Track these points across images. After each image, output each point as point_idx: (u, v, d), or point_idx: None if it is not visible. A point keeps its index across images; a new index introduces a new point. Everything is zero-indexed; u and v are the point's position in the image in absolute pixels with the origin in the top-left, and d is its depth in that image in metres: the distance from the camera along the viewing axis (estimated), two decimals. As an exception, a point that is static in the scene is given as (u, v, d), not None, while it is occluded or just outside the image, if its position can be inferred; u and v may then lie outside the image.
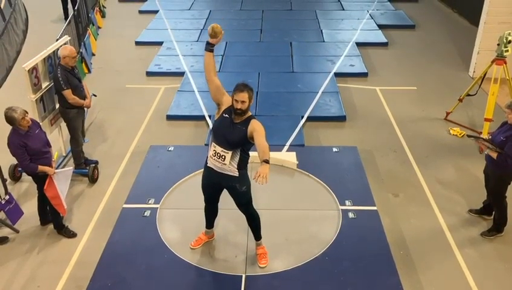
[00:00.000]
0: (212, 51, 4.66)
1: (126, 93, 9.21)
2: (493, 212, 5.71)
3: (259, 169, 4.02)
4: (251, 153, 4.73)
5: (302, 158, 6.85)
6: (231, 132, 4.52)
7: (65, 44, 6.75)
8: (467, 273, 5.12)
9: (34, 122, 5.46)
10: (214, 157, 4.63)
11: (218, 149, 4.57)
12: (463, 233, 5.70)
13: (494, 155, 5.22)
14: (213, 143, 4.62)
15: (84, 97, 6.49)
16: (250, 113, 4.60)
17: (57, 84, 6.19)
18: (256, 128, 4.42)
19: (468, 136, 5.76)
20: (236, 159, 4.59)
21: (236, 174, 4.65)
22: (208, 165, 4.79)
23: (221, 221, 5.63)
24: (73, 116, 6.44)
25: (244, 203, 4.93)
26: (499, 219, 5.57)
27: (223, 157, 4.56)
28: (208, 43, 4.61)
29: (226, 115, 4.60)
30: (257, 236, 5.15)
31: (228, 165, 4.59)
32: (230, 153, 4.54)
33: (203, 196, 5.12)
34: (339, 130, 7.89)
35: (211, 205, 5.17)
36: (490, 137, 5.49)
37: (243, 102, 4.45)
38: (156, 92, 9.21)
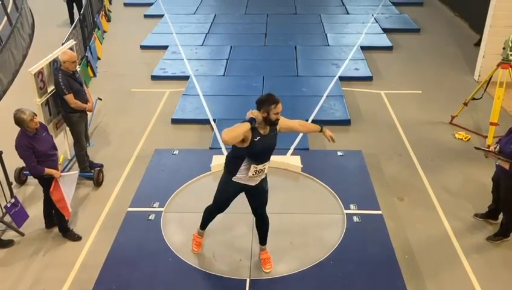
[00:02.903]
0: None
1: (131, 97, 9.25)
2: (499, 217, 5.68)
3: (327, 134, 4.88)
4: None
5: (307, 162, 6.84)
6: (270, 144, 4.58)
7: (70, 48, 6.79)
8: (472, 278, 5.09)
9: (42, 125, 5.50)
10: (255, 175, 4.64)
11: (261, 167, 4.60)
12: (468, 237, 5.67)
13: (506, 166, 5.18)
14: (253, 165, 4.54)
15: (86, 101, 6.52)
16: None
17: (59, 89, 6.23)
18: (282, 121, 4.58)
19: (476, 148, 5.70)
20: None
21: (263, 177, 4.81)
22: (240, 183, 4.70)
23: (226, 225, 5.63)
24: (76, 121, 6.47)
25: (265, 202, 4.99)
26: (506, 224, 5.54)
27: (265, 169, 4.69)
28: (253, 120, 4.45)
29: (259, 137, 4.45)
30: (264, 241, 5.14)
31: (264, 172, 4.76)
32: (268, 161, 4.69)
33: (207, 200, 5.11)
34: (343, 133, 7.88)
35: (221, 212, 5.13)
36: (498, 145, 5.40)
37: (279, 113, 4.45)
38: (161, 95, 9.23)
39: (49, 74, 6.48)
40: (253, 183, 4.73)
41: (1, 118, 7.21)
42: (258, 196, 4.89)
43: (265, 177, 4.85)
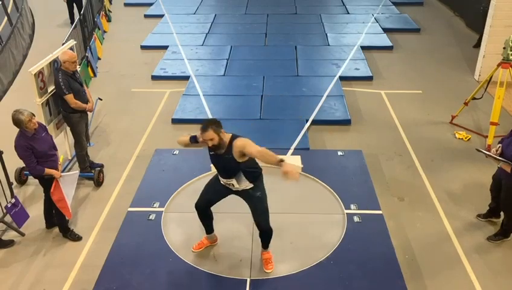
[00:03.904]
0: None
1: (131, 97, 9.25)
2: (501, 214, 5.67)
3: (282, 171, 4.11)
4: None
5: (307, 162, 6.84)
6: (225, 165, 4.66)
7: (70, 48, 6.79)
8: (473, 278, 5.09)
9: (41, 125, 5.49)
10: (225, 184, 4.82)
11: (224, 181, 4.78)
12: (469, 237, 5.66)
13: (508, 169, 5.18)
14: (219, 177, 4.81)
15: (86, 101, 6.52)
16: (228, 137, 4.57)
17: (59, 89, 6.23)
18: (240, 146, 4.45)
19: (478, 150, 5.70)
20: (244, 178, 4.71)
21: (251, 185, 4.79)
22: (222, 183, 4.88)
23: (227, 224, 5.63)
24: (76, 121, 6.47)
25: (259, 209, 4.86)
26: (507, 224, 5.53)
27: (232, 184, 4.76)
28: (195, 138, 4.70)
29: (212, 152, 4.68)
30: (265, 246, 5.14)
31: (240, 186, 4.76)
32: (234, 179, 4.71)
33: (200, 205, 5.11)
34: (343, 133, 7.88)
35: (203, 210, 5.10)
36: (500, 146, 5.40)
37: (211, 140, 4.46)
38: (161, 95, 9.23)
39: (50, 74, 6.48)
40: (233, 189, 4.83)
41: (1, 118, 7.21)
42: (247, 200, 4.90)
43: (256, 186, 4.79)
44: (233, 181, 4.71)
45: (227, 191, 4.93)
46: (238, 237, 5.55)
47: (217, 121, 4.56)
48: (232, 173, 4.68)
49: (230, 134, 4.60)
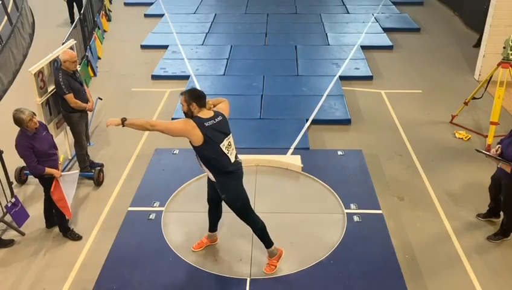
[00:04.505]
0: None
1: (131, 96, 9.25)
2: (501, 214, 5.67)
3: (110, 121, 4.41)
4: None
5: (307, 161, 6.84)
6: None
7: (70, 48, 6.79)
8: (472, 278, 5.09)
9: (42, 125, 5.49)
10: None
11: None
12: (469, 237, 5.67)
13: (508, 169, 5.18)
14: None
15: (86, 101, 6.52)
16: (203, 114, 4.53)
17: (59, 88, 6.23)
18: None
19: (477, 150, 5.71)
20: (204, 166, 4.69)
21: (213, 179, 4.71)
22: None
23: (226, 224, 5.63)
24: (76, 120, 6.47)
25: (236, 211, 4.85)
26: (507, 224, 5.53)
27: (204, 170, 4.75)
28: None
29: None
30: (265, 244, 5.04)
31: (210, 176, 4.73)
32: (201, 164, 4.70)
33: (207, 199, 5.14)
34: (344, 133, 7.88)
35: (210, 204, 5.14)
36: (499, 147, 5.40)
37: (182, 105, 4.52)
38: (161, 95, 9.23)
39: (50, 74, 6.48)
40: (211, 179, 4.78)
41: (1, 117, 7.22)
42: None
43: (219, 184, 4.71)
44: (202, 167, 4.70)
45: (210, 181, 4.85)
46: (238, 236, 5.55)
47: (196, 92, 4.55)
48: (196, 155, 4.68)
49: (212, 112, 4.56)
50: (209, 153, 4.56)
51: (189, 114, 4.51)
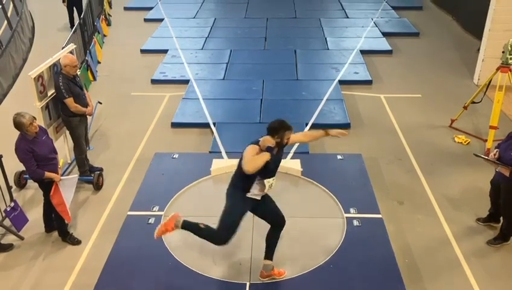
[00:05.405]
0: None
1: (131, 100, 9.25)
2: (501, 219, 5.67)
3: (334, 133, 5.17)
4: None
5: (307, 166, 6.84)
6: (281, 158, 4.81)
7: (70, 52, 6.80)
8: (472, 282, 5.08)
9: (42, 129, 5.49)
10: (271, 188, 4.69)
11: (272, 180, 4.66)
12: (469, 241, 5.66)
13: (507, 173, 5.18)
14: (266, 180, 4.60)
15: (86, 105, 6.53)
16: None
17: (59, 92, 6.24)
18: None
19: (476, 155, 5.71)
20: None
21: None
22: (253, 198, 4.70)
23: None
24: (75, 125, 6.48)
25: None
26: (506, 228, 5.53)
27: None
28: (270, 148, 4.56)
29: (275, 152, 4.62)
30: (267, 255, 4.96)
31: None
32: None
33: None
34: (343, 137, 7.81)
35: (228, 241, 4.83)
36: (497, 151, 5.39)
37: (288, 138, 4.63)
38: (161, 99, 9.24)
39: (49, 78, 6.49)
40: (259, 197, 4.74)
41: (1, 121, 7.22)
42: (266, 203, 4.84)
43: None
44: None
45: (251, 205, 4.81)
46: (237, 241, 5.53)
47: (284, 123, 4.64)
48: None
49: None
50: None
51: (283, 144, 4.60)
